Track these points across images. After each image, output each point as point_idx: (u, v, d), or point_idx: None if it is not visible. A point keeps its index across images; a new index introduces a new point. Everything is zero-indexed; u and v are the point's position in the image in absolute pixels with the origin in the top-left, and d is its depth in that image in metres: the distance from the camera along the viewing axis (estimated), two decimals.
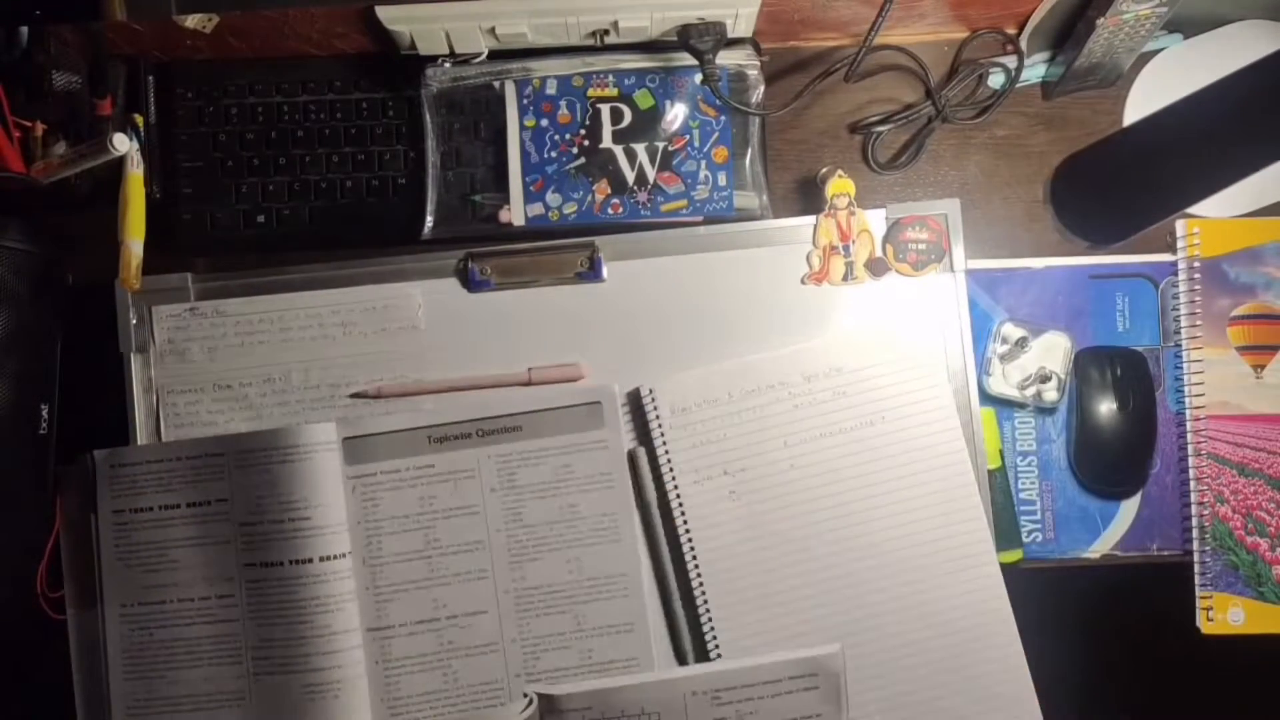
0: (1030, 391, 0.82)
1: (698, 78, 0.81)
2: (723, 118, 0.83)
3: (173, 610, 0.78)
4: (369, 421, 0.79)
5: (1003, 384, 0.82)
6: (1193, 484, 0.82)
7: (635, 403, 0.79)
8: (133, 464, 0.78)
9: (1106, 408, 0.82)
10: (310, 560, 0.76)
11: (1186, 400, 0.83)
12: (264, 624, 0.77)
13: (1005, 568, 0.78)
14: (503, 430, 0.78)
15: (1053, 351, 0.82)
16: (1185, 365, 0.83)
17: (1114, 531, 0.83)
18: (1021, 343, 0.82)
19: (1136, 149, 0.82)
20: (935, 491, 0.77)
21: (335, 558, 0.76)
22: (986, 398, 0.83)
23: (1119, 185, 0.83)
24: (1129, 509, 0.83)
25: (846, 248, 0.80)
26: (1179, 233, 0.83)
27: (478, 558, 0.77)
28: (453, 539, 0.78)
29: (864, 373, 0.78)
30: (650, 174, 0.82)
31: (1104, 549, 0.84)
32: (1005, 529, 0.80)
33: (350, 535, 0.77)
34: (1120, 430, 0.82)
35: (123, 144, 0.75)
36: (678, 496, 0.77)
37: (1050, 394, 0.82)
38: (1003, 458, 0.82)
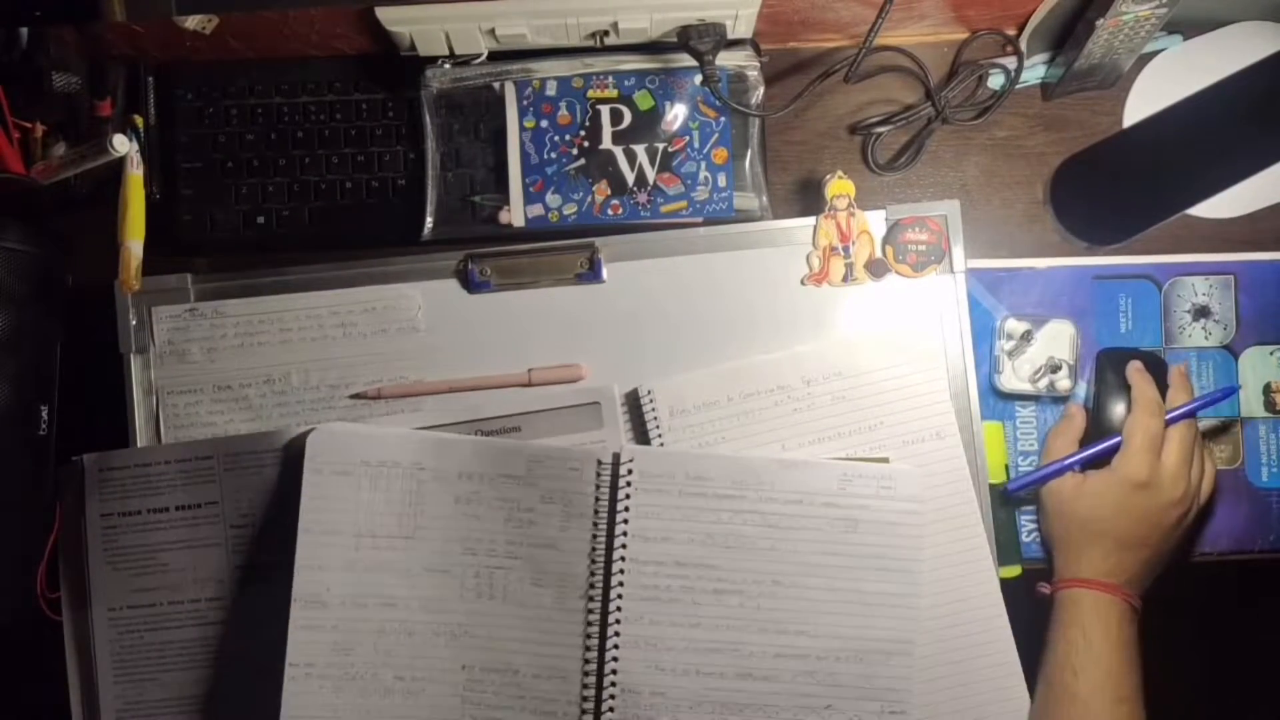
0: (1043, 383, 0.82)
1: (697, 79, 0.81)
2: (722, 119, 0.83)
3: (163, 613, 0.77)
4: (369, 423, 0.78)
5: (1014, 379, 0.82)
6: None
7: (634, 404, 0.79)
8: (120, 468, 0.78)
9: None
10: None
11: None
12: (255, 626, 0.76)
13: (1003, 583, 0.77)
14: (502, 431, 0.78)
15: (1059, 340, 0.82)
16: None
17: None
18: (1026, 336, 0.82)
19: (1136, 150, 0.82)
20: (933, 498, 0.77)
21: None
22: (1000, 396, 0.83)
23: (1119, 186, 0.83)
24: None
25: (846, 249, 0.80)
26: None
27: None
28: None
29: (864, 378, 0.78)
30: (650, 175, 0.82)
31: None
32: (1005, 544, 0.80)
33: None
34: None
35: (122, 145, 0.75)
36: None
37: (1063, 382, 0.82)
38: (1007, 472, 0.81)
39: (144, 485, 0.78)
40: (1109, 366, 0.82)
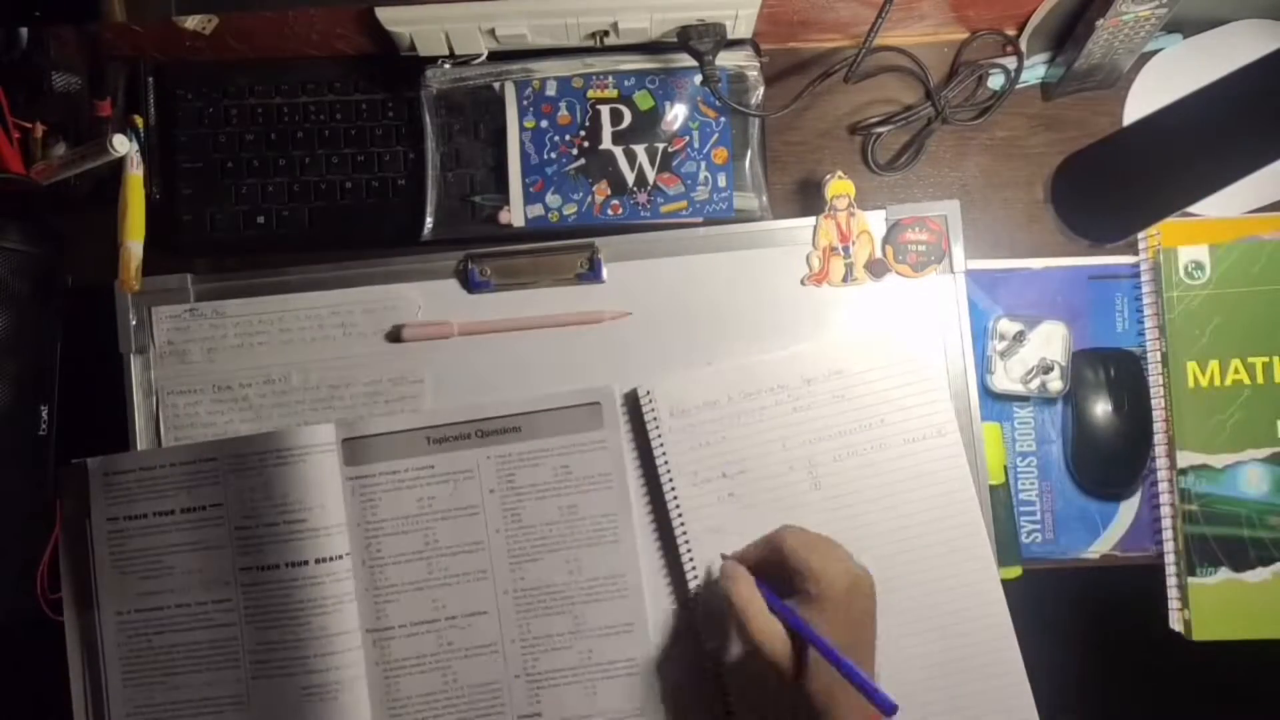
0: (1035, 384, 0.82)
1: (697, 79, 0.81)
2: (722, 119, 0.83)
3: (170, 616, 0.78)
4: (368, 423, 0.78)
5: (1006, 380, 0.82)
6: (1163, 485, 0.82)
7: (634, 404, 0.79)
8: (125, 471, 0.78)
9: (1102, 409, 0.82)
10: (306, 563, 0.76)
11: (1153, 401, 0.83)
12: (262, 627, 0.76)
13: (1004, 584, 0.77)
14: (502, 431, 0.78)
15: (1051, 341, 0.82)
16: (1149, 367, 0.83)
17: (1114, 532, 0.83)
18: (1019, 336, 0.82)
19: (1136, 149, 0.82)
20: (933, 496, 0.77)
21: (332, 559, 0.76)
22: (991, 396, 0.83)
23: (1119, 185, 0.83)
24: (1129, 509, 0.83)
25: (846, 249, 0.80)
26: (1140, 235, 0.84)
27: (477, 558, 0.77)
28: (452, 540, 0.78)
29: (864, 376, 0.78)
30: (650, 175, 0.82)
31: (1104, 549, 0.84)
32: (1006, 545, 0.80)
33: (349, 536, 0.77)
34: (1117, 432, 0.82)
35: (122, 145, 0.75)
36: (675, 498, 0.77)
37: (1055, 384, 0.82)
38: (1006, 473, 0.82)
39: (149, 488, 0.78)
40: (1085, 366, 0.82)
